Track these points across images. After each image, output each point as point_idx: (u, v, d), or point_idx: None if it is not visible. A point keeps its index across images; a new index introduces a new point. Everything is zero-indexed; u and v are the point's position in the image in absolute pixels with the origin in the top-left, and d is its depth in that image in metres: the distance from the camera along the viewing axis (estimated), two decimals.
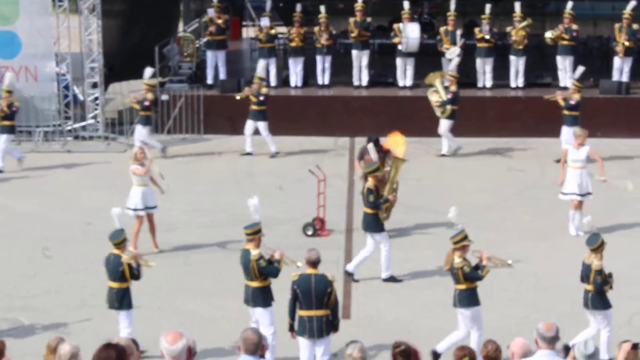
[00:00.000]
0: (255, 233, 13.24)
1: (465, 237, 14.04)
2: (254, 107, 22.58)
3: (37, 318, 15.28)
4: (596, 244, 14.06)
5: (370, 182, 16.48)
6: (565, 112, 21.96)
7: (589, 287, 14.01)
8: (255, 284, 13.16)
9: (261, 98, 22.62)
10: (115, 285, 13.90)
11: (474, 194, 21.24)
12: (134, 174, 17.63)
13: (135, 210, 17.73)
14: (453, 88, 22.81)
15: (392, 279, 16.56)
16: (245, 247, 13.33)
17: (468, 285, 13.90)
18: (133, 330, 13.59)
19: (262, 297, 13.20)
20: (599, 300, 14.03)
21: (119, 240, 14.06)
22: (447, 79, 23.00)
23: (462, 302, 13.93)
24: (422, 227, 19.52)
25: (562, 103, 21.91)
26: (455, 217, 15.08)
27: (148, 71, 23.91)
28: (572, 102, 21.75)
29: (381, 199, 16.43)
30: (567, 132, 21.51)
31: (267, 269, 13.13)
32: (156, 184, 18.06)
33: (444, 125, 22.96)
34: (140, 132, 23.79)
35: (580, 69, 22.76)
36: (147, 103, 23.50)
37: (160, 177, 18.76)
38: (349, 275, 16.68)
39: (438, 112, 22.83)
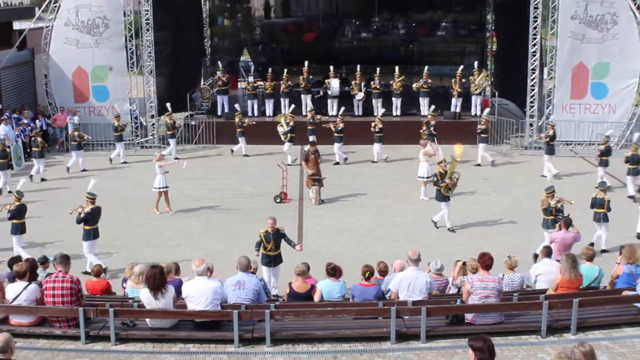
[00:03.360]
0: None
1: (553, 190, 16.85)
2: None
3: (120, 250, 17.65)
4: (606, 187, 17.56)
5: (437, 170, 18.76)
6: (426, 131, 24.89)
7: (601, 210, 16.94)
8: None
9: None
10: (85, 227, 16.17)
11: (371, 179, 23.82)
12: (158, 167, 20.35)
13: (158, 188, 20.40)
14: (291, 124, 25.22)
15: (450, 230, 18.65)
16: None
17: (550, 217, 16.62)
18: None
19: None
20: (606, 216, 17.10)
21: (95, 196, 16.62)
22: (288, 118, 25.61)
23: (547, 223, 16.64)
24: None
25: (424, 127, 25.02)
26: (551, 178, 19.66)
27: (168, 106, 27.04)
28: (432, 127, 24.90)
29: (440, 181, 18.38)
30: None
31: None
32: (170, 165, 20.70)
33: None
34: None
35: (433, 106, 26.53)
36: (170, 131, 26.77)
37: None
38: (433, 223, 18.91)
39: (282, 137, 25.37)
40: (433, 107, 26.41)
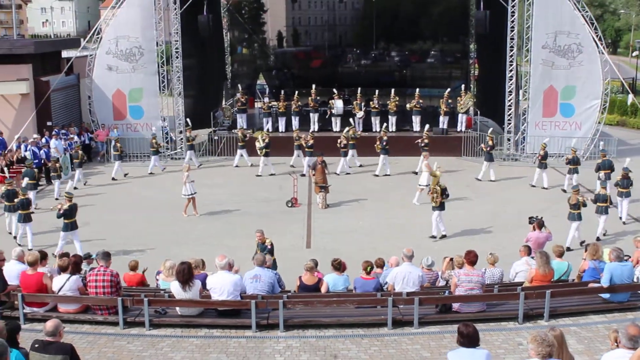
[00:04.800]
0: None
1: (579, 189, 17.45)
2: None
3: (153, 248, 17.54)
4: (606, 185, 18.13)
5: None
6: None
7: (604, 204, 17.40)
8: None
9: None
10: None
11: (370, 186, 23.54)
12: (186, 177, 20.39)
13: (186, 195, 20.44)
14: (267, 140, 25.07)
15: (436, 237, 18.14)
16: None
17: (577, 211, 17.04)
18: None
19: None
20: (607, 209, 17.49)
21: (72, 195, 17.11)
22: (264, 135, 25.61)
23: (573, 216, 17.07)
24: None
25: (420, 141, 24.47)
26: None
27: (188, 121, 27.28)
28: (423, 143, 24.33)
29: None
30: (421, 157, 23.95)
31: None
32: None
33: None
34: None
35: (427, 125, 26.00)
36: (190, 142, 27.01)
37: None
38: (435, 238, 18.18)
39: (259, 152, 25.30)
40: (428, 126, 26.17)
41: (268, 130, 28.28)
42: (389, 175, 25.39)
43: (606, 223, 17.95)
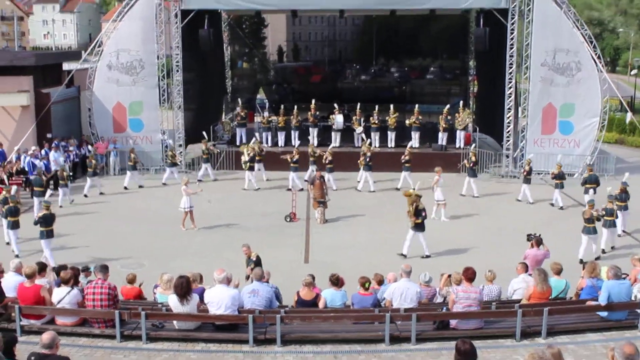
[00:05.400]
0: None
1: (593, 204, 17.66)
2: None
3: (151, 261, 17.38)
4: (613, 199, 18.54)
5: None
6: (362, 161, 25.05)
7: (611, 218, 17.87)
8: None
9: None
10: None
11: (367, 202, 23.71)
12: (183, 191, 20.64)
13: (184, 208, 20.57)
14: (252, 154, 25.30)
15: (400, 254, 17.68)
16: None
17: (591, 225, 17.31)
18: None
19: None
20: (614, 222, 18.07)
21: (49, 204, 17.72)
22: (249, 149, 25.60)
23: (588, 230, 17.24)
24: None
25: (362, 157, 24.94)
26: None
27: (204, 134, 27.64)
28: (404, 159, 24.82)
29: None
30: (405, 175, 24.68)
31: None
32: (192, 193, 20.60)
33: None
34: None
35: (411, 142, 26.73)
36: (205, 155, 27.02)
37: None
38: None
39: (243, 165, 25.65)
40: (411, 142, 26.66)
41: (259, 141, 27.92)
42: (373, 192, 25.30)
43: (612, 236, 18.36)
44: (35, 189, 21.83)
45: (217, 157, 28.28)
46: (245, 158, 25.68)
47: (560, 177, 23.25)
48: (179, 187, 21.92)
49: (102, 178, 26.71)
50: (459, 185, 25.29)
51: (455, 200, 23.21)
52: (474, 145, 27.04)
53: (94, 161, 25.23)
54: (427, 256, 17.85)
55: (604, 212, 17.94)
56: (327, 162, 25.00)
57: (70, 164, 25.36)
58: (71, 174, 25.50)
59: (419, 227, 17.75)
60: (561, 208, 23.08)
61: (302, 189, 24.65)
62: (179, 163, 27.72)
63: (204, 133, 27.51)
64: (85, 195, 24.78)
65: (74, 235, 19.69)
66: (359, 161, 25.51)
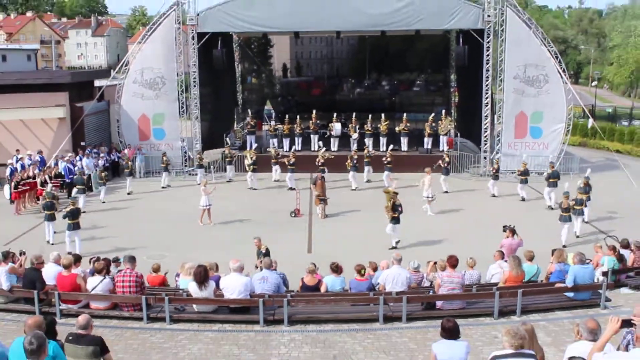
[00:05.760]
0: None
1: (568, 195, 17.68)
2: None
3: (173, 252, 17.20)
4: (588, 191, 19.14)
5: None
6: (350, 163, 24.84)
7: (580, 207, 18.14)
8: None
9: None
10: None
11: (364, 199, 23.07)
12: (202, 191, 20.53)
13: (203, 206, 20.40)
14: (254, 158, 25.26)
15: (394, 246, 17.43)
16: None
17: (567, 213, 17.36)
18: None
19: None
20: (582, 211, 18.40)
21: (76, 200, 18.33)
22: (252, 153, 25.64)
23: (565, 218, 17.33)
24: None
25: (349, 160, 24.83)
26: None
27: (227, 140, 27.89)
28: (386, 161, 24.68)
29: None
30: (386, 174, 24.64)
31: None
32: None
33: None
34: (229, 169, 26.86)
35: (392, 145, 26.16)
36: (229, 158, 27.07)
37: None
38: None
39: (247, 168, 25.49)
40: (392, 146, 26.13)
41: (255, 149, 28.00)
42: (355, 189, 25.16)
43: (579, 224, 18.63)
44: (77, 187, 22.36)
45: (239, 160, 27.95)
46: (248, 161, 25.61)
47: (524, 173, 23.51)
48: (197, 189, 21.73)
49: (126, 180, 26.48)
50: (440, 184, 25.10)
51: (440, 197, 23.02)
52: (446, 148, 27.17)
53: (129, 163, 25.52)
54: (394, 247, 17.43)
55: (573, 202, 17.97)
56: (319, 164, 24.82)
57: (102, 167, 25.32)
58: (107, 174, 25.52)
59: (396, 220, 17.66)
60: (523, 199, 23.33)
61: (292, 188, 24.47)
62: (205, 165, 27.40)
63: (228, 139, 27.47)
64: (129, 193, 24.88)
65: (106, 228, 19.83)
66: (346, 163, 25.38)
